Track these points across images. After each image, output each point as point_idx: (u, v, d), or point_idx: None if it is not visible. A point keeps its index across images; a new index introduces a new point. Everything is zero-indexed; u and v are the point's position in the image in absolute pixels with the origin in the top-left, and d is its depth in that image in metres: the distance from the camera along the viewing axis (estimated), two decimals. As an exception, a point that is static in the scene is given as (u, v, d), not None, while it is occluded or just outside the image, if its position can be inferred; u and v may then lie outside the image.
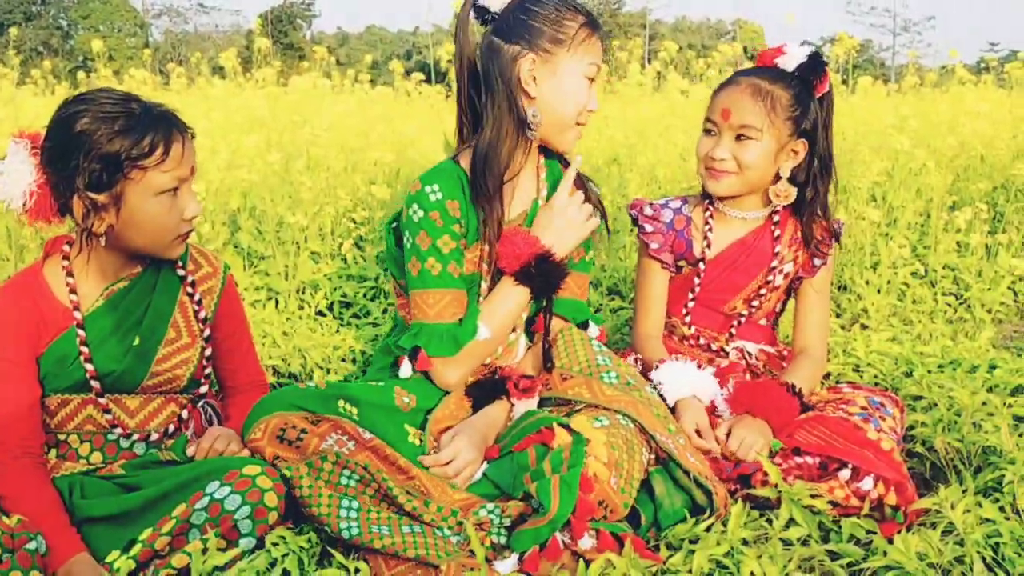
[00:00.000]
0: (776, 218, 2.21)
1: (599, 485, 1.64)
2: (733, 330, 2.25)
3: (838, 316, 3.39)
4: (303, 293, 3.33)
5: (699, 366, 2.06)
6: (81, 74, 7.94)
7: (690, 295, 2.24)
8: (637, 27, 51.57)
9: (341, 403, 1.76)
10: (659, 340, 2.23)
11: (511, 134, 1.92)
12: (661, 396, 1.96)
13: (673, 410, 1.96)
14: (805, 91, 2.12)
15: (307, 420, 1.73)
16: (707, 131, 2.17)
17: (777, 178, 2.15)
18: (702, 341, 2.25)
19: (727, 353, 2.24)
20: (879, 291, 3.37)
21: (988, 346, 2.76)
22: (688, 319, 2.26)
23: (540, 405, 1.94)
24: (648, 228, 2.25)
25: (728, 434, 1.92)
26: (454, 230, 1.92)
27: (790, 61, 2.12)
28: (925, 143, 4.43)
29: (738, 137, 2.10)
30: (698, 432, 1.91)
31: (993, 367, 2.45)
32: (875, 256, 3.56)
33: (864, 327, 3.25)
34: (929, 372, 2.45)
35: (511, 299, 1.94)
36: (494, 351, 1.98)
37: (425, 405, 1.90)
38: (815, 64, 2.11)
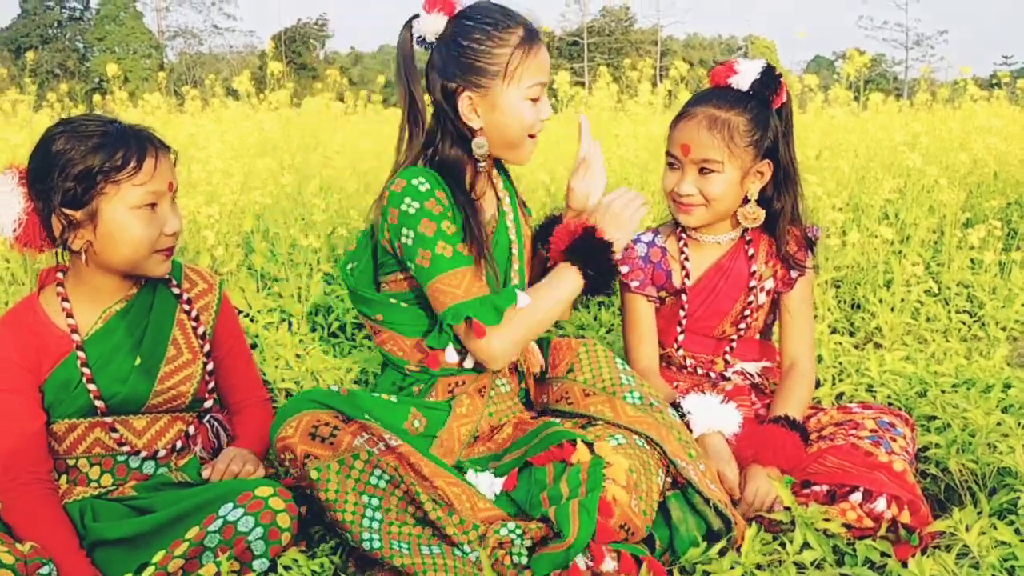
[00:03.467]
0: (748, 237, 2.18)
1: (619, 509, 1.63)
2: (727, 355, 2.22)
3: (851, 335, 3.38)
4: (316, 315, 3.34)
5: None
6: (97, 96, 8.00)
7: (678, 328, 2.21)
8: (648, 44, 51.69)
9: (364, 413, 1.74)
10: (657, 374, 2.20)
11: (462, 156, 1.93)
12: (686, 424, 1.94)
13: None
14: (762, 110, 2.07)
15: (338, 419, 1.70)
16: (670, 164, 2.13)
17: (746, 200, 2.13)
18: (699, 372, 2.22)
19: (728, 378, 2.22)
20: (892, 309, 3.36)
21: (1003, 364, 2.74)
22: (680, 351, 2.23)
23: (557, 416, 1.93)
24: (624, 268, 2.21)
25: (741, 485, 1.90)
26: (450, 216, 1.87)
27: (743, 79, 2.07)
28: (937, 160, 4.43)
29: (701, 171, 2.07)
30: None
31: (1008, 386, 2.43)
32: (888, 274, 3.55)
33: (878, 346, 3.24)
34: (943, 392, 2.44)
35: (560, 279, 1.90)
36: (539, 330, 1.90)
37: (432, 432, 1.89)
38: (769, 78, 2.07)
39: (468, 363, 1.92)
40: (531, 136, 1.94)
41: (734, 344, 2.22)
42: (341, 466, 1.65)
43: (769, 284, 2.19)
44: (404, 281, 1.95)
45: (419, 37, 1.92)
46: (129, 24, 46.86)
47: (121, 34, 46.41)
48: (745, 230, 2.18)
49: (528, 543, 1.63)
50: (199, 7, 53.39)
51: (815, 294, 3.32)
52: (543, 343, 2.09)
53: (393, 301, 1.96)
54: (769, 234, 2.19)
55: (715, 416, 1.96)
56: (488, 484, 1.78)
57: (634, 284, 2.21)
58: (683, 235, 2.22)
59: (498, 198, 2.04)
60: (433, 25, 1.89)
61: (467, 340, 1.85)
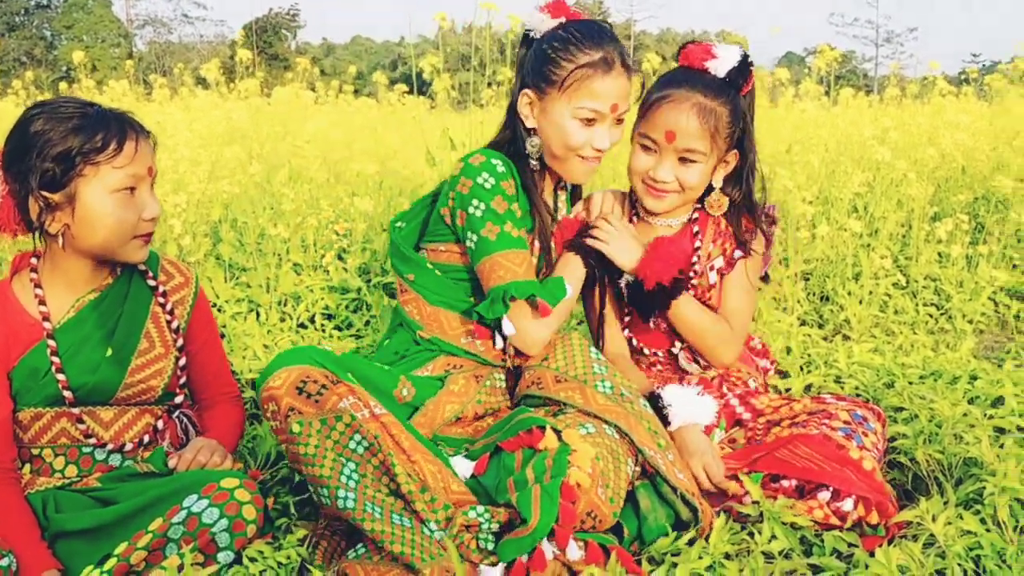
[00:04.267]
0: (695, 216, 2.16)
1: (585, 496, 1.63)
2: (678, 343, 2.18)
3: (820, 327, 3.40)
4: (285, 305, 3.31)
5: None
6: (63, 84, 7.90)
7: (626, 310, 2.19)
8: (622, 38, 51.79)
9: (349, 376, 1.72)
10: (628, 358, 2.19)
11: (523, 153, 2.02)
12: (664, 416, 1.93)
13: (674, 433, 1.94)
14: (738, 100, 2.05)
15: (328, 378, 1.67)
16: (644, 147, 2.08)
17: (711, 188, 2.12)
18: (660, 355, 2.20)
19: (687, 369, 2.19)
20: (861, 302, 3.38)
21: (969, 357, 2.77)
22: (627, 332, 2.21)
23: (528, 404, 1.94)
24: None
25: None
26: (517, 203, 1.98)
27: (722, 66, 2.03)
28: (906, 154, 4.45)
29: (682, 159, 2.04)
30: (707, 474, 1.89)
31: (974, 378, 2.46)
32: (857, 267, 3.57)
33: (846, 338, 3.26)
34: (910, 383, 2.46)
35: (572, 265, 2.05)
36: (564, 321, 2.03)
37: (419, 402, 1.89)
38: (744, 67, 2.04)
39: (499, 343, 1.98)
40: (581, 157, 1.99)
41: None
42: (323, 425, 1.63)
43: (719, 263, 2.16)
44: (443, 253, 2.03)
45: (528, 30, 2.04)
46: (98, 12, 46.22)
47: (89, 22, 45.76)
48: (692, 212, 2.17)
49: (495, 527, 1.63)
50: (169, -5, 52.81)
51: (786, 287, 3.34)
52: None
53: (429, 266, 2.04)
54: (727, 219, 2.16)
55: (693, 408, 1.95)
56: (462, 468, 1.79)
57: None
58: (634, 218, 2.21)
59: (556, 207, 2.14)
60: (539, 23, 2.02)
61: (522, 318, 1.93)
